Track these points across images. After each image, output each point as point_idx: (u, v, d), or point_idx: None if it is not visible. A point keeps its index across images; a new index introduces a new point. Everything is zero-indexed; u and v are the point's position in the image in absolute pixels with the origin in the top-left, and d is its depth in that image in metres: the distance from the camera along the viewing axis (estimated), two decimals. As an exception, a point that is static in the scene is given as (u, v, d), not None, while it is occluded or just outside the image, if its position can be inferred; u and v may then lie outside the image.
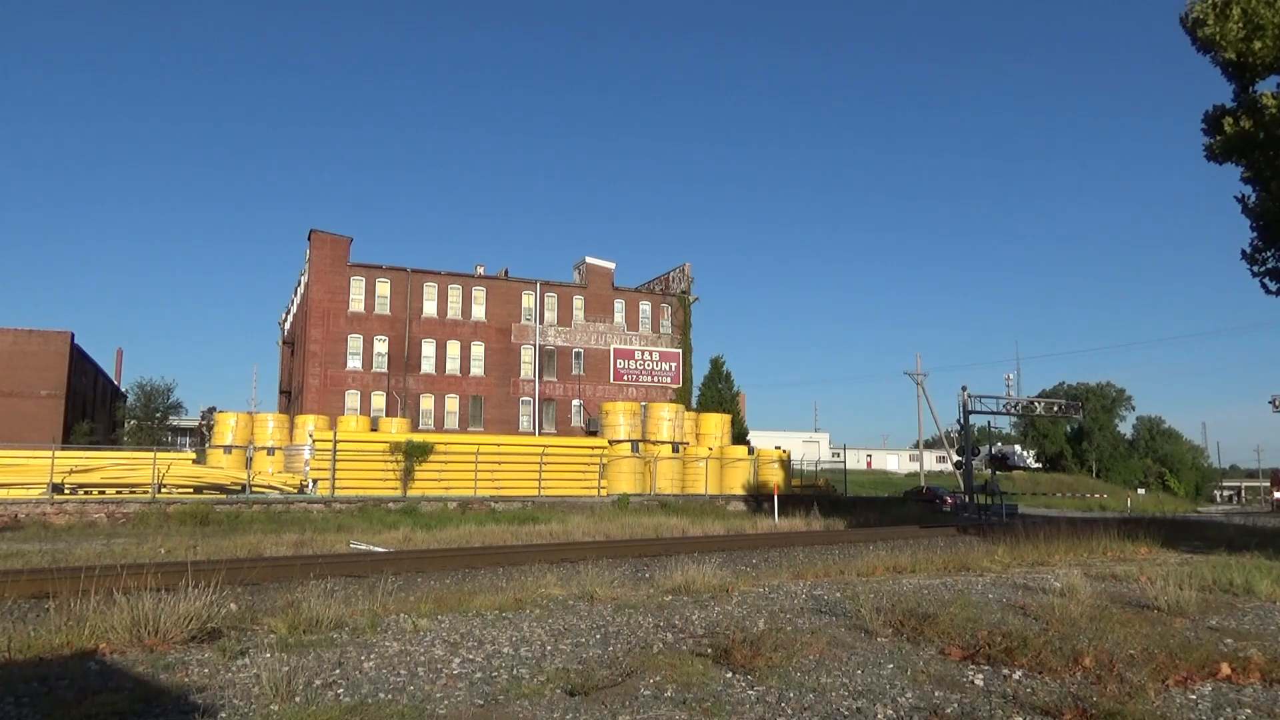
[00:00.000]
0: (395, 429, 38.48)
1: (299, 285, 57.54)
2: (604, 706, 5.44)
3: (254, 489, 30.81)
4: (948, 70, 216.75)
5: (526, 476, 35.32)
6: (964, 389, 44.89)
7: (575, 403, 54.86)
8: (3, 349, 49.70)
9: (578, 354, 55.70)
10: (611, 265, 57.78)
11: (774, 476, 40.54)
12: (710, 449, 43.33)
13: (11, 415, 47.42)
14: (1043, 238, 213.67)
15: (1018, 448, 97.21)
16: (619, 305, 57.47)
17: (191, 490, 30.02)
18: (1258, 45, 17.88)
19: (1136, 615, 8.95)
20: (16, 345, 50.07)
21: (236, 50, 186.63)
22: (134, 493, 28.41)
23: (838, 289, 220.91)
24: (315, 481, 32.33)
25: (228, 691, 5.55)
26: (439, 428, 49.86)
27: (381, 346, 50.85)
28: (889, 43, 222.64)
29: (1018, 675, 6.35)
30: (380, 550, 18.43)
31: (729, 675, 6.22)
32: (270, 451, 39.27)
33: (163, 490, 28.82)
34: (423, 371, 51.63)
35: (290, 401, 57.08)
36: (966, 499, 45.19)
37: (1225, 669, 6.54)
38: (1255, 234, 20.27)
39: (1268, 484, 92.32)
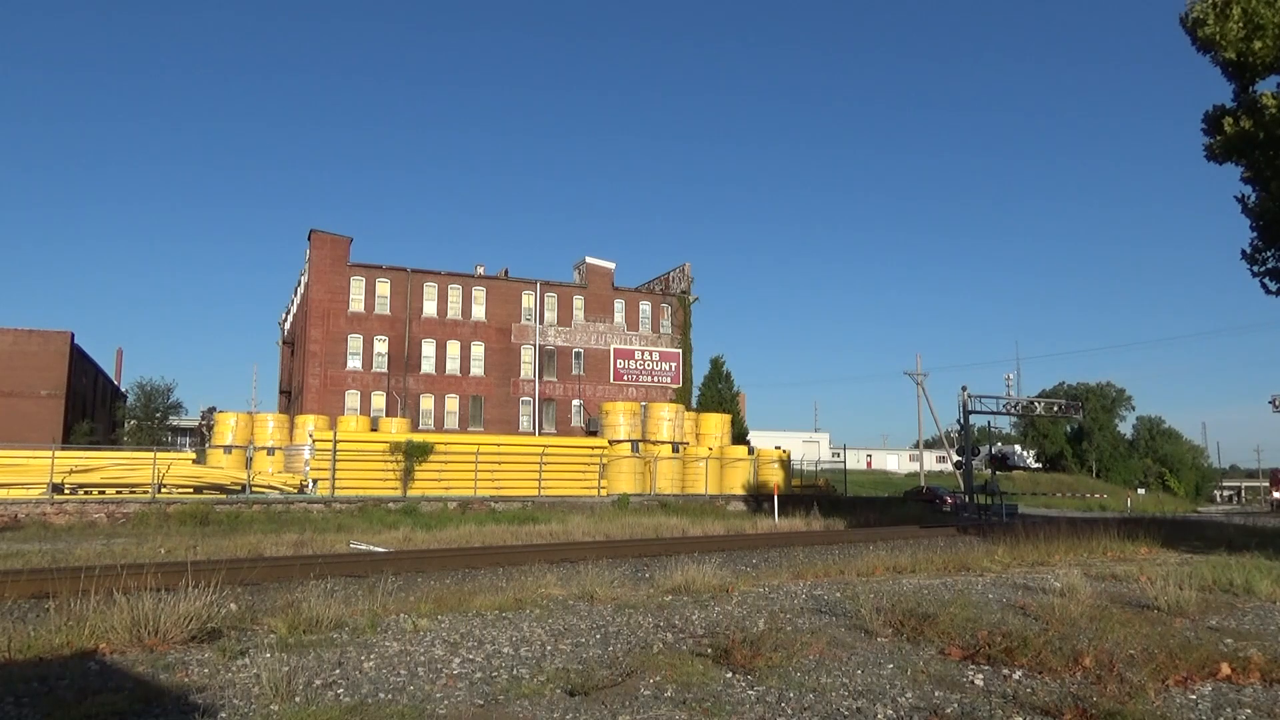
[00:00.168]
0: (395, 429, 38.49)
1: (299, 285, 57.56)
2: (604, 706, 5.44)
3: (254, 489, 30.82)
4: (948, 70, 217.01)
5: (526, 476, 35.33)
6: (964, 389, 44.93)
7: (575, 403, 54.86)
8: (3, 349, 49.69)
9: (578, 354, 55.71)
10: (611, 265, 57.81)
11: (774, 476, 40.53)
12: (710, 449, 43.32)
13: (11, 415, 47.41)
14: (1043, 238, 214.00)
15: (1018, 448, 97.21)
16: (619, 305, 57.48)
17: (191, 490, 30.03)
18: (1258, 45, 17.89)
19: (1136, 615, 8.95)
20: (16, 345, 50.06)
21: (236, 50, 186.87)
22: (134, 493, 28.41)
23: (838, 289, 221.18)
24: (315, 481, 32.34)
25: (228, 691, 5.55)
26: (439, 428, 49.86)
27: (381, 346, 50.86)
28: (889, 43, 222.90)
29: (1018, 675, 6.34)
30: (380, 550, 18.42)
31: (729, 675, 6.22)
32: (270, 451, 39.28)
33: (163, 490, 28.82)
34: (423, 371, 51.64)
35: (290, 401, 57.09)
36: (966, 499, 45.17)
37: (1225, 669, 6.54)
38: (1255, 234, 20.27)
39: (1267, 484, 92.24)
